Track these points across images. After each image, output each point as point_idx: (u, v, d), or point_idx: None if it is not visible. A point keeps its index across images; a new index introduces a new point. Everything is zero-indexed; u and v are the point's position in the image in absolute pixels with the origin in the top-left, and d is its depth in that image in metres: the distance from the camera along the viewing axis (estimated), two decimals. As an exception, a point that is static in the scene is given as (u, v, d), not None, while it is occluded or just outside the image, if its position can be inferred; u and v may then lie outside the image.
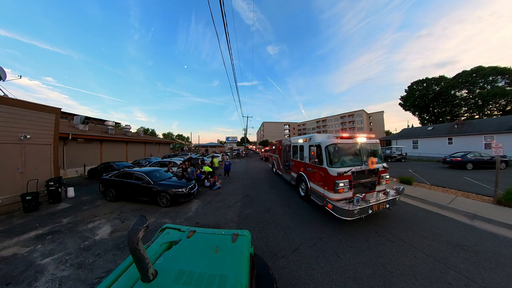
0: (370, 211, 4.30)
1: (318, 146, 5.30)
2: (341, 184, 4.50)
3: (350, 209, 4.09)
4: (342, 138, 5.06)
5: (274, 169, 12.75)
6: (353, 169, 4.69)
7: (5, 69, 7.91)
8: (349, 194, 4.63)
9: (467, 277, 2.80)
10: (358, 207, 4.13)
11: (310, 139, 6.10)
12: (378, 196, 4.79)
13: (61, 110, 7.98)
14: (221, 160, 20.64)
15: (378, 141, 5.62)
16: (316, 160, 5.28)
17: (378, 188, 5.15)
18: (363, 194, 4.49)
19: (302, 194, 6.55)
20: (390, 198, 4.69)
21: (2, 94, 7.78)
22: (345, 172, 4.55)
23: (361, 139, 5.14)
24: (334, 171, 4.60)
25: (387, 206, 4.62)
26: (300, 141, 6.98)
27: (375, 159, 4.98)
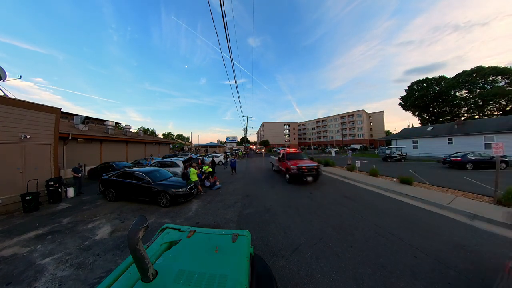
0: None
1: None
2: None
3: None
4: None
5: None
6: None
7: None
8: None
9: (467, 277, 2.80)
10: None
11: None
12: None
13: (61, 110, 7.99)
14: (223, 160, 20.70)
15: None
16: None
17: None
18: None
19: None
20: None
21: (2, 94, 7.78)
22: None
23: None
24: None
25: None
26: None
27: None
